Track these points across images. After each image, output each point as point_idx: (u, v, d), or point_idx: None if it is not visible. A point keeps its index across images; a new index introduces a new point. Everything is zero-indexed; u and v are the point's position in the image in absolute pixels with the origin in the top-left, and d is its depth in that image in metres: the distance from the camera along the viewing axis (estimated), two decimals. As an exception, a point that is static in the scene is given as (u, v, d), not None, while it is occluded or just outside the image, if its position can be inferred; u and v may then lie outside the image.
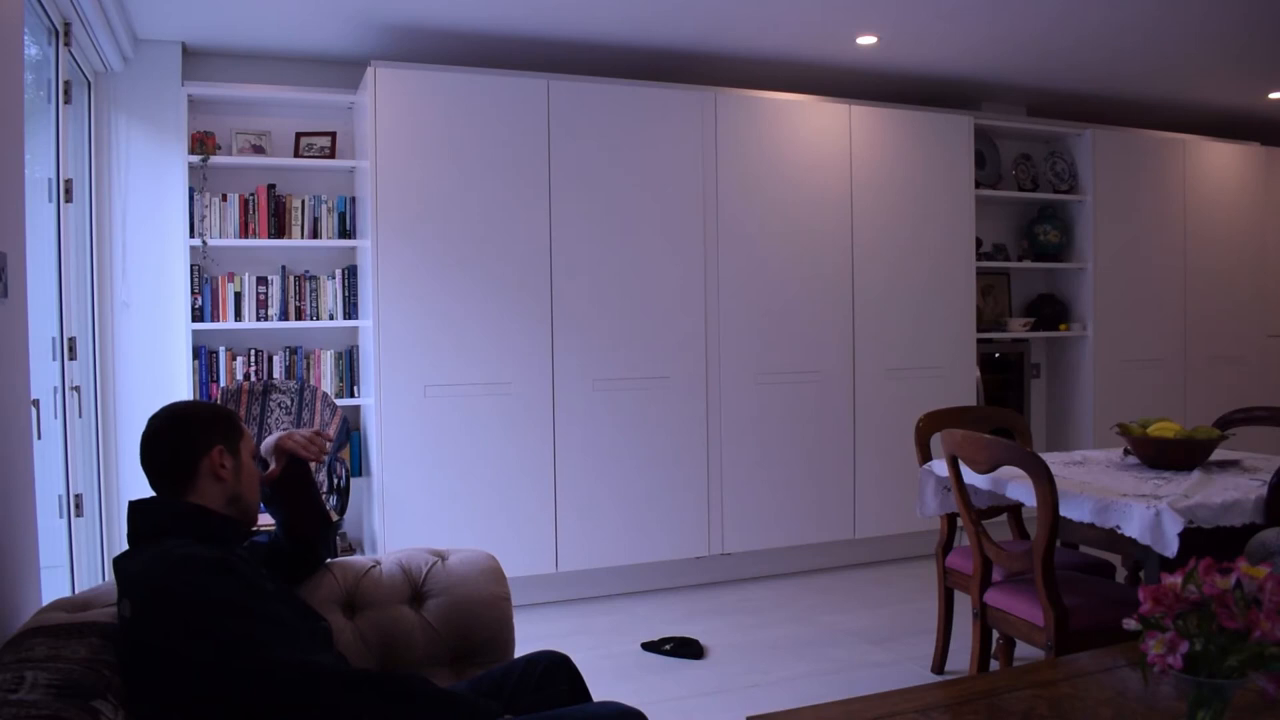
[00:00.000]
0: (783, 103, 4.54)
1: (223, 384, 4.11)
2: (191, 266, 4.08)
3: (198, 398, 4.03)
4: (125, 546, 1.64)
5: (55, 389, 3.33)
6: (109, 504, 3.91)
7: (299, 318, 4.23)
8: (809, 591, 4.22)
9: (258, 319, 4.18)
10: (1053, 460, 3.04)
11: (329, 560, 2.06)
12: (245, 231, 4.15)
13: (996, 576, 2.84)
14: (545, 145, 4.12)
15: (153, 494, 1.69)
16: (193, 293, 4.08)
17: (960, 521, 2.94)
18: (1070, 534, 2.85)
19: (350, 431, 4.21)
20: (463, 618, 2.03)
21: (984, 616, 2.81)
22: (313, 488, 1.97)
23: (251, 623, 1.49)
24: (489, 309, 4.04)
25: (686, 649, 3.52)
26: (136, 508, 1.65)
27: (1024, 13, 4.00)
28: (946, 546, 3.27)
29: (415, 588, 2.06)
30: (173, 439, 1.69)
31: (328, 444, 1.96)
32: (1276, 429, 3.44)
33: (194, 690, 1.44)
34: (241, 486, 1.72)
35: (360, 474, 4.24)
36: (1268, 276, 5.97)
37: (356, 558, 2.13)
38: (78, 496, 3.44)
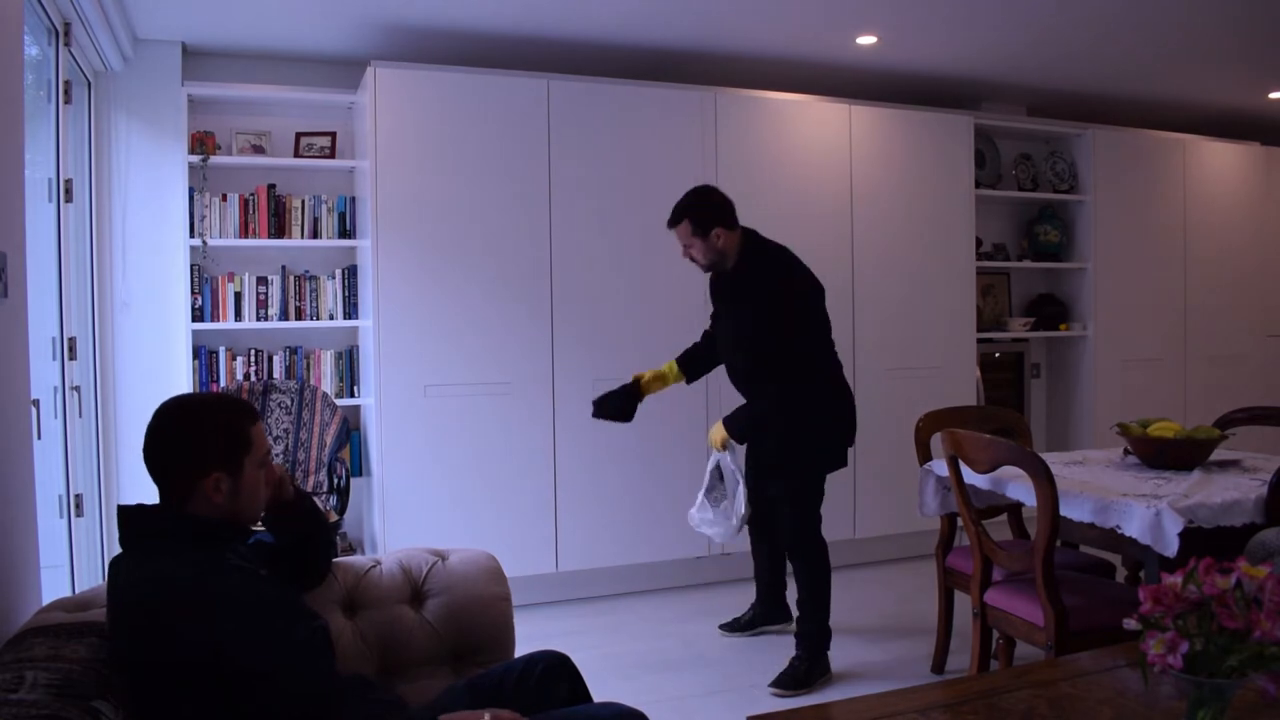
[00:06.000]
0: (783, 103, 4.54)
1: (223, 384, 4.11)
2: (191, 266, 4.08)
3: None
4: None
5: (55, 389, 3.33)
6: (109, 504, 3.90)
7: (299, 318, 4.23)
8: (809, 591, 4.21)
9: (258, 319, 4.18)
10: (1053, 460, 3.04)
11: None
12: (245, 231, 4.15)
13: (996, 576, 2.84)
14: (545, 145, 4.12)
15: (144, 496, 1.65)
16: (192, 293, 4.08)
17: (960, 521, 2.94)
18: (1070, 534, 2.84)
19: (350, 431, 4.21)
20: (463, 618, 2.04)
21: (984, 616, 2.81)
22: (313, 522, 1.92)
23: (240, 631, 1.48)
24: (489, 309, 4.04)
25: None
26: (126, 515, 1.60)
27: (1024, 12, 3.99)
28: (946, 546, 3.27)
29: (415, 588, 2.07)
30: (172, 454, 1.61)
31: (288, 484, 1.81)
32: (1276, 429, 3.44)
33: (183, 694, 1.45)
34: (240, 503, 1.64)
35: (360, 474, 4.24)
36: (1268, 276, 5.97)
37: (356, 558, 2.13)
38: (78, 496, 3.43)
